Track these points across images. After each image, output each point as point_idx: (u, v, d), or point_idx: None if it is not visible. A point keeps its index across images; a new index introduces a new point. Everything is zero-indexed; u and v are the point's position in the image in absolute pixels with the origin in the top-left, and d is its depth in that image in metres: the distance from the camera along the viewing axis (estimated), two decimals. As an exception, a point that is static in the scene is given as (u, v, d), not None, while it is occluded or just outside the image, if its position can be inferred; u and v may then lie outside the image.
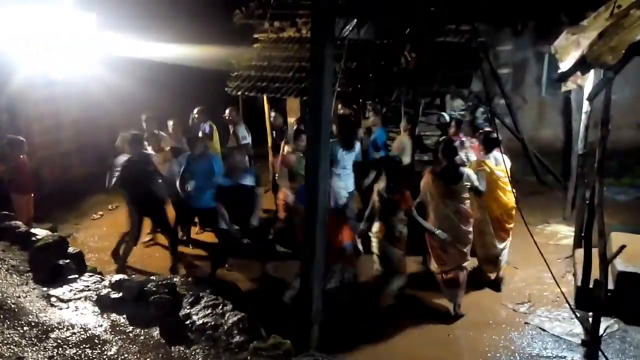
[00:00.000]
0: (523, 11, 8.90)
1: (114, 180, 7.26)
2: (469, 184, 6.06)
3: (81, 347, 3.76)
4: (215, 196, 6.85)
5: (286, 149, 7.87)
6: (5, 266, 4.81)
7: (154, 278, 4.70)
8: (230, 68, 10.33)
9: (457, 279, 6.04)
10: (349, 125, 8.32)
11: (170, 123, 8.58)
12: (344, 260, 6.15)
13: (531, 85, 10.78)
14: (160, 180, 7.32)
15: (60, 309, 4.25)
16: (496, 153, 6.64)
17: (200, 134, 8.44)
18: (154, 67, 10.03)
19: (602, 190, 4.57)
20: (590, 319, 4.89)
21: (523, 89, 10.77)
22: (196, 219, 8.19)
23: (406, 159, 7.64)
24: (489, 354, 5.38)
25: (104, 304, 4.26)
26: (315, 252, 4.66)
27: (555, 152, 10.39)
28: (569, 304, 4.99)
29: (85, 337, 3.88)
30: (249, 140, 8.92)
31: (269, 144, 9.39)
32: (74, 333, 3.92)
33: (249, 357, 3.51)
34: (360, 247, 6.20)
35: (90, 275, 4.73)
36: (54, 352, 3.69)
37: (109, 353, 3.70)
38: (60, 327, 3.99)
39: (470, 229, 6.12)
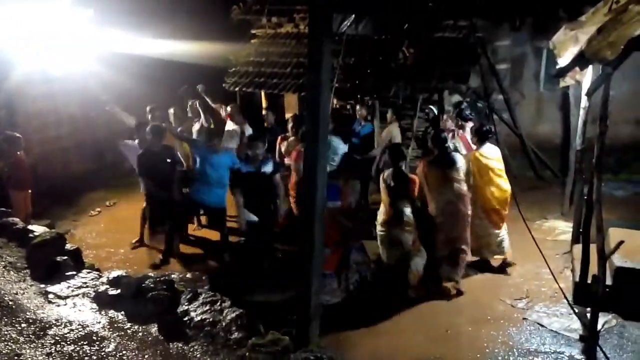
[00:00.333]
0: (521, 7, 8.90)
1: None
2: (462, 167, 6.41)
3: (79, 343, 3.76)
4: (233, 183, 6.80)
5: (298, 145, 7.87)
6: (3, 263, 4.80)
7: (152, 274, 4.70)
8: (228, 64, 10.32)
9: (457, 258, 6.34)
10: (344, 119, 8.37)
11: (171, 110, 8.60)
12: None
13: (529, 81, 10.77)
14: (179, 174, 7.39)
15: (58, 305, 4.25)
16: (489, 144, 6.84)
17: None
18: (151, 64, 10.01)
19: (600, 185, 4.57)
20: (589, 315, 4.90)
21: (521, 85, 10.76)
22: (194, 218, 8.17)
23: None
24: (487, 350, 5.39)
25: (102, 301, 4.26)
26: (314, 248, 4.65)
27: (554, 148, 10.39)
28: (567, 300, 5.00)
29: (83, 333, 3.88)
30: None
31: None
32: (72, 330, 3.92)
33: (247, 354, 3.51)
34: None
35: (88, 272, 4.73)
36: (52, 349, 3.68)
37: (107, 350, 3.70)
38: (58, 324, 3.99)
39: (470, 211, 6.41)
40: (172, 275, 6.58)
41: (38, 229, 5.27)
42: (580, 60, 4.67)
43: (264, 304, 5.88)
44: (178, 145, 8.31)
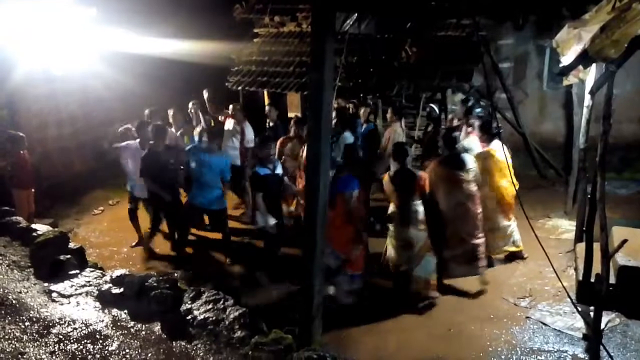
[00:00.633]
0: (524, 5, 8.86)
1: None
2: (473, 168, 6.35)
3: (82, 342, 3.76)
4: (254, 186, 6.59)
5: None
6: (6, 262, 4.82)
7: (155, 273, 4.70)
8: (230, 63, 10.33)
9: (475, 253, 6.33)
10: (348, 116, 8.39)
11: (170, 112, 8.58)
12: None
13: (532, 80, 10.75)
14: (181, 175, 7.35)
15: (62, 304, 4.26)
16: (496, 142, 6.85)
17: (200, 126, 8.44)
18: (154, 63, 10.01)
19: (603, 184, 4.55)
20: (592, 313, 4.88)
21: (524, 83, 10.74)
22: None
23: None
24: (490, 348, 5.38)
25: (105, 300, 4.27)
26: (316, 246, 4.65)
27: (557, 146, 10.38)
28: (571, 298, 4.98)
29: (87, 332, 3.89)
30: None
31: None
32: (75, 328, 3.93)
33: (250, 352, 3.52)
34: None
35: (92, 271, 4.74)
36: (56, 348, 3.69)
37: (110, 348, 3.71)
38: (61, 322, 4.00)
39: (480, 210, 6.42)
40: (175, 274, 6.60)
41: (41, 227, 5.29)
42: (584, 59, 4.65)
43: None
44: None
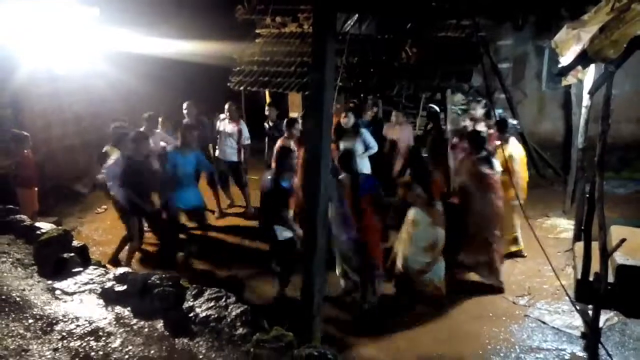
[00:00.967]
0: (523, 6, 8.90)
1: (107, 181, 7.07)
2: (499, 169, 6.41)
3: (86, 339, 3.79)
4: (281, 201, 6.05)
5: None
6: (10, 259, 4.85)
7: (158, 271, 4.73)
8: (232, 63, 10.37)
9: (493, 260, 6.35)
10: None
11: (160, 119, 8.59)
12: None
13: (531, 80, 10.78)
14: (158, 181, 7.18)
15: (65, 301, 4.28)
16: (513, 140, 7.05)
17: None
18: (156, 63, 10.05)
19: (602, 183, 4.58)
20: (590, 312, 4.91)
21: (523, 84, 10.77)
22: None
23: None
24: (489, 347, 5.41)
25: (108, 297, 4.30)
26: (317, 244, 4.68)
27: (555, 146, 10.42)
28: (569, 297, 5.02)
29: (90, 329, 3.91)
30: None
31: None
32: (79, 325, 3.95)
33: (251, 349, 3.54)
34: None
35: (95, 269, 4.76)
36: (59, 345, 3.72)
37: (113, 345, 3.74)
38: (64, 319, 4.02)
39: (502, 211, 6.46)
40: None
41: (45, 226, 5.31)
42: (583, 59, 4.68)
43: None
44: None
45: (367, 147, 7.93)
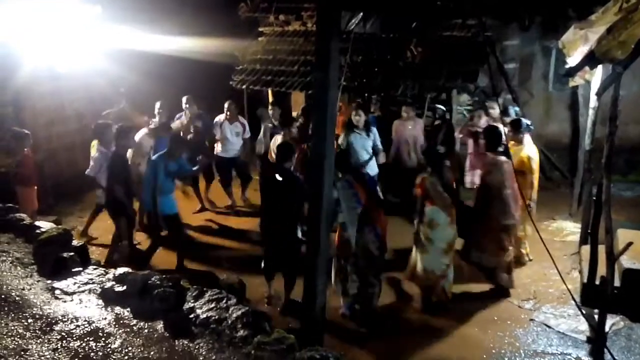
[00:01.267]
0: (530, 6, 8.84)
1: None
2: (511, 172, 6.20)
3: (85, 339, 3.76)
4: (302, 197, 5.89)
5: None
6: (10, 259, 4.82)
7: (158, 271, 4.70)
8: (235, 61, 10.34)
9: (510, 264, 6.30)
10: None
11: (157, 105, 8.60)
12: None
13: (538, 81, 10.73)
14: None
15: (65, 301, 4.26)
16: (527, 138, 6.99)
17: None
18: (158, 60, 10.01)
19: (609, 186, 4.54)
20: (596, 316, 4.87)
21: (530, 84, 10.72)
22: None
23: None
24: (493, 351, 5.36)
25: (108, 297, 4.27)
26: (320, 246, 4.64)
27: (562, 148, 10.35)
28: (575, 301, 4.97)
29: (89, 329, 3.88)
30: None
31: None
32: (78, 326, 3.93)
33: (252, 352, 3.50)
34: None
35: (95, 268, 4.73)
36: (58, 345, 3.69)
37: (112, 346, 3.70)
38: (64, 319, 4.00)
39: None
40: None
41: (45, 225, 5.29)
42: (590, 60, 4.65)
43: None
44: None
45: (374, 147, 8.03)
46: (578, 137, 9.04)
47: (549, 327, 5.74)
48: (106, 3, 9.16)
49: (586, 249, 5.07)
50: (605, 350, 4.80)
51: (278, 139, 7.90)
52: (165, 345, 3.73)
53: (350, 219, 5.63)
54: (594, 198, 4.93)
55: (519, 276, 6.76)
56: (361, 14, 9.28)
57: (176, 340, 3.77)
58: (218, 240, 8.10)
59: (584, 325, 5.53)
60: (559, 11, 9.03)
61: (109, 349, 3.67)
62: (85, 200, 9.51)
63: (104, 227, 8.53)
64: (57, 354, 3.59)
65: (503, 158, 6.16)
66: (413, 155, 8.63)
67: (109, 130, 7.13)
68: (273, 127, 8.83)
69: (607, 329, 4.88)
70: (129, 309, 4.15)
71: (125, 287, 4.28)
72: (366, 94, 9.70)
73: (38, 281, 4.52)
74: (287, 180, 5.92)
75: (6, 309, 4.05)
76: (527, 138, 7.00)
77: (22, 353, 3.57)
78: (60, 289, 4.41)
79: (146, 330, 3.91)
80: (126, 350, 3.67)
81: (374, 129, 8.17)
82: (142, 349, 3.69)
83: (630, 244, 4.57)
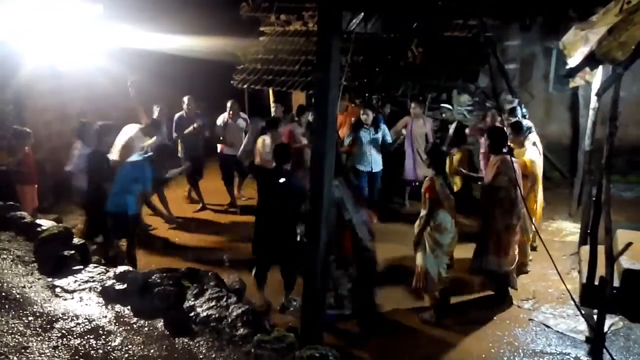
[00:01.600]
0: (531, 6, 8.85)
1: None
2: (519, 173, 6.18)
3: (85, 337, 3.77)
4: (299, 198, 5.85)
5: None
6: (11, 257, 4.83)
7: (159, 269, 4.71)
8: (236, 60, 10.35)
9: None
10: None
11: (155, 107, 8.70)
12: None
13: (539, 81, 10.73)
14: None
15: (65, 299, 4.26)
16: (528, 143, 6.95)
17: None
18: (160, 59, 10.02)
19: (609, 187, 4.54)
20: (595, 316, 4.88)
21: (530, 85, 10.73)
22: None
23: None
24: (492, 350, 5.37)
25: (109, 295, 4.28)
26: (320, 244, 4.65)
27: (562, 149, 10.36)
28: (574, 301, 4.98)
29: (90, 327, 3.89)
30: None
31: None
32: (79, 323, 3.94)
33: (252, 350, 3.52)
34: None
35: (95, 267, 4.74)
36: (59, 342, 3.70)
37: (113, 344, 3.72)
38: (64, 317, 4.01)
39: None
40: (179, 271, 6.59)
41: (46, 223, 5.29)
42: (591, 61, 4.65)
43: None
44: None
45: (384, 143, 8.34)
46: (578, 138, 9.05)
47: (548, 327, 5.74)
48: (107, 2, 9.17)
49: (585, 250, 5.08)
50: (604, 350, 4.81)
51: (266, 139, 7.95)
52: (166, 343, 3.74)
53: (357, 219, 5.66)
54: (594, 198, 4.94)
55: (519, 276, 6.77)
56: (362, 14, 9.28)
57: (176, 339, 3.79)
58: (217, 238, 8.11)
59: (583, 325, 5.54)
60: (560, 12, 9.03)
61: (109, 347, 3.68)
62: (86, 199, 9.53)
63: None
64: (57, 352, 3.60)
65: (510, 162, 6.00)
66: (423, 155, 8.63)
67: (90, 129, 7.12)
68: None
69: (606, 329, 4.90)
70: (129, 307, 4.16)
71: (125, 285, 4.29)
72: (367, 94, 9.71)
73: (39, 279, 4.53)
74: (287, 181, 5.90)
75: (7, 306, 4.06)
76: (529, 140, 6.98)
77: (23, 350, 3.58)
78: (61, 287, 4.41)
79: (146, 328, 3.92)
80: (126, 348, 3.68)
81: (384, 126, 8.44)
82: (142, 346, 3.70)
83: (629, 244, 4.59)
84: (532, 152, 6.84)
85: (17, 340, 3.67)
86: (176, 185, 9.62)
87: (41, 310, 4.06)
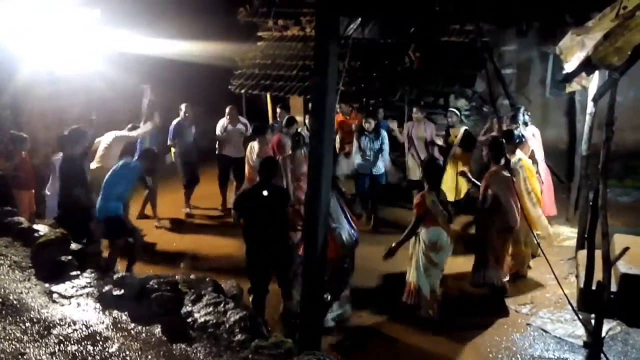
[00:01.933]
0: (528, 11, 8.88)
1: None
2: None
3: (83, 343, 3.76)
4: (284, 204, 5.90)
5: None
6: (8, 262, 4.81)
7: (156, 275, 4.70)
8: (233, 65, 10.37)
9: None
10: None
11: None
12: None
13: (535, 86, 10.74)
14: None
15: (62, 305, 4.25)
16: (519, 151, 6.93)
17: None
18: (158, 64, 10.04)
19: (605, 191, 4.56)
20: (593, 321, 4.88)
21: (527, 90, 10.74)
22: None
23: None
24: (490, 355, 5.38)
25: (106, 301, 4.26)
26: (318, 248, 4.66)
27: (559, 153, 10.35)
28: (572, 306, 4.99)
29: (87, 333, 3.88)
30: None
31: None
32: (76, 329, 3.92)
33: (250, 356, 3.51)
34: None
35: (92, 272, 4.72)
36: (56, 349, 3.69)
37: (110, 350, 3.70)
38: (62, 323, 3.99)
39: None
40: (176, 277, 6.58)
41: (43, 228, 5.27)
42: (587, 66, 4.68)
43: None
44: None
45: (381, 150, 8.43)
46: (575, 143, 9.06)
47: (545, 331, 5.75)
48: (105, 6, 9.18)
49: (583, 254, 5.09)
50: (602, 355, 4.81)
51: (255, 146, 7.98)
52: (163, 349, 3.73)
53: (341, 228, 5.67)
54: (591, 203, 4.95)
55: (516, 281, 6.78)
56: (359, 19, 9.31)
57: (174, 344, 3.77)
58: (214, 243, 8.10)
59: (580, 330, 5.55)
60: (557, 17, 9.05)
61: (106, 353, 3.67)
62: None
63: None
64: (54, 358, 3.59)
65: (505, 173, 6.09)
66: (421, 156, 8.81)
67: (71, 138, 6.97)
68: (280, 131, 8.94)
69: (603, 333, 4.91)
70: (126, 313, 4.15)
71: (123, 291, 4.28)
72: (364, 99, 9.72)
73: (36, 285, 4.51)
74: (273, 193, 5.80)
75: (3, 312, 4.05)
76: (519, 151, 6.91)
77: (20, 357, 3.56)
78: (58, 293, 4.40)
79: (144, 334, 3.91)
80: (124, 354, 3.67)
81: (384, 133, 8.53)
82: (139, 353, 3.69)
83: (626, 249, 4.59)
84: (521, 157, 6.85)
85: (14, 347, 3.65)
86: (170, 189, 9.60)
87: (38, 316, 4.05)
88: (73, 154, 6.78)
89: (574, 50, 5.15)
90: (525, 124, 7.96)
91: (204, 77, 10.71)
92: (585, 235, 5.11)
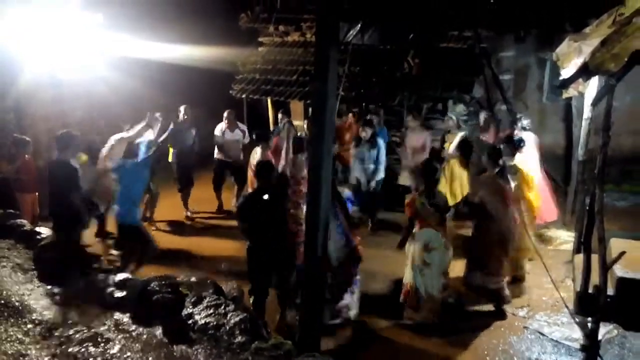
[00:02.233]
0: (525, 18, 8.94)
1: None
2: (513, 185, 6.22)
3: (84, 345, 3.79)
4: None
5: None
6: (10, 264, 4.86)
7: (157, 277, 4.73)
8: (235, 70, 10.43)
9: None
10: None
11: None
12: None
13: (533, 92, 10.79)
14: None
15: (64, 307, 4.29)
16: (519, 155, 6.90)
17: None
18: (159, 68, 10.10)
19: (602, 196, 4.60)
20: (590, 324, 4.91)
21: (524, 95, 10.78)
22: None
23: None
24: (487, 358, 5.40)
25: (108, 303, 4.30)
26: (318, 252, 4.69)
27: (556, 158, 10.39)
28: (569, 309, 5.02)
29: (89, 335, 3.91)
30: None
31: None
32: (77, 331, 3.96)
33: (250, 357, 3.55)
34: None
35: (94, 274, 4.77)
36: (57, 350, 3.72)
37: (111, 351, 3.74)
38: (63, 325, 4.03)
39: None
40: (177, 279, 6.60)
41: (45, 231, 5.33)
42: (584, 72, 4.72)
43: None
44: None
45: (377, 159, 8.32)
46: (572, 148, 9.10)
47: (542, 334, 5.77)
48: (107, 11, 9.23)
49: (580, 258, 5.12)
50: (599, 358, 4.84)
51: (257, 151, 8.02)
52: (164, 351, 3.77)
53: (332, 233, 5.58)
54: (588, 208, 4.98)
55: (514, 284, 6.81)
56: (359, 25, 9.37)
57: (175, 346, 3.81)
58: (215, 246, 8.12)
59: (577, 333, 5.57)
60: (554, 24, 9.11)
61: (107, 355, 3.71)
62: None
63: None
64: (56, 359, 3.63)
65: (499, 180, 6.07)
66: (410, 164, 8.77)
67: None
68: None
69: (600, 337, 4.92)
70: (128, 315, 4.19)
71: (125, 293, 4.33)
72: (364, 104, 9.78)
73: (38, 286, 4.55)
74: (273, 195, 5.79)
75: (6, 314, 4.09)
76: (518, 155, 6.89)
77: (22, 358, 3.60)
78: (60, 295, 4.44)
79: (145, 336, 3.94)
80: (125, 355, 3.71)
81: (380, 142, 8.40)
82: (140, 354, 3.73)
83: (623, 253, 4.62)
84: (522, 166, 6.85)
85: (16, 348, 3.69)
86: (168, 192, 9.63)
87: (40, 318, 4.09)
88: (64, 158, 6.63)
89: (571, 57, 5.20)
90: (524, 129, 8.01)
91: (206, 81, 10.77)
92: (582, 239, 5.14)
